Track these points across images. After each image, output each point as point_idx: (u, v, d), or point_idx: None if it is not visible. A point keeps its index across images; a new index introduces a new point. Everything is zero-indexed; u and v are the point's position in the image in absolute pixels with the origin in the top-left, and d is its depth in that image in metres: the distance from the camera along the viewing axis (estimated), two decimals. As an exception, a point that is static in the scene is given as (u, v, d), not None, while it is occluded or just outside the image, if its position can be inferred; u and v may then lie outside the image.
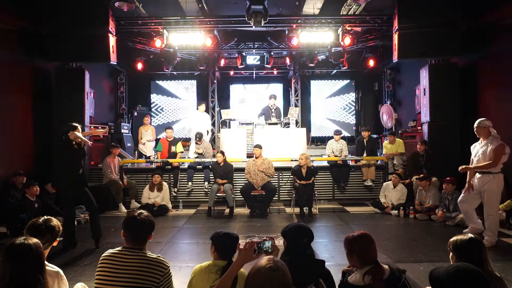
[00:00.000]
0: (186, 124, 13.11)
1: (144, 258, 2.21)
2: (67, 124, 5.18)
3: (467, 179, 5.27)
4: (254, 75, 13.66)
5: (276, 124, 10.19)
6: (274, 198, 7.82)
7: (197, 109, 10.07)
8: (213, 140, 12.21)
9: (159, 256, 2.26)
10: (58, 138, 5.10)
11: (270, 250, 2.09)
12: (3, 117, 7.32)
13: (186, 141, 11.49)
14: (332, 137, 9.08)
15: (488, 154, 4.95)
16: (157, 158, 8.88)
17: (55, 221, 2.52)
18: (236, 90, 14.13)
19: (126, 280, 2.14)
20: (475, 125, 5.12)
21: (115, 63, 8.52)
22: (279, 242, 2.56)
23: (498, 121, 7.58)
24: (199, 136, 8.71)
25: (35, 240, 2.01)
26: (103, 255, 2.28)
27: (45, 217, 2.51)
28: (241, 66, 11.99)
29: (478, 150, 5.13)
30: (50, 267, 2.31)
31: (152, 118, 13.19)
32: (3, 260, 1.92)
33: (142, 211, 2.37)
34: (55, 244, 2.52)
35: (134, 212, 2.34)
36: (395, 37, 8.24)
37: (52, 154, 7.48)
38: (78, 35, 7.90)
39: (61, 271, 2.35)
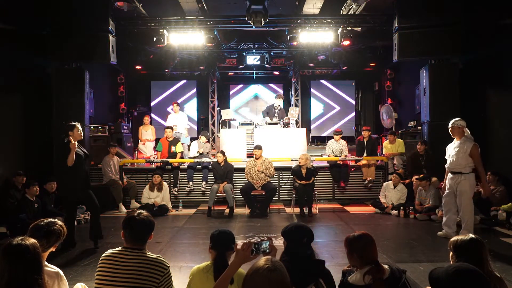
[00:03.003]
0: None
1: (144, 258, 2.21)
2: (66, 124, 5.17)
3: (444, 180, 5.50)
4: (254, 75, 13.67)
5: (276, 124, 10.20)
6: (274, 198, 7.81)
7: (173, 110, 10.21)
8: (213, 140, 12.22)
9: (159, 256, 2.26)
10: (61, 140, 5.07)
11: (267, 251, 2.09)
12: (3, 116, 7.32)
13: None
14: (332, 137, 9.08)
15: (463, 155, 5.06)
16: (157, 158, 8.88)
17: (59, 225, 2.48)
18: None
19: (126, 280, 2.14)
20: (450, 125, 5.24)
21: (115, 63, 8.50)
22: (279, 242, 2.56)
23: (499, 121, 7.63)
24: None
25: (32, 240, 2.01)
26: (103, 255, 2.27)
27: (49, 220, 2.49)
28: (241, 66, 11.99)
29: (451, 150, 5.27)
30: (50, 267, 2.30)
31: (151, 118, 13.18)
32: (1, 260, 1.91)
33: (142, 211, 2.37)
34: (53, 249, 2.49)
35: (134, 212, 2.33)
36: (395, 37, 8.23)
37: (54, 155, 7.49)
38: (78, 35, 7.88)
39: (60, 272, 2.34)
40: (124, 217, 2.35)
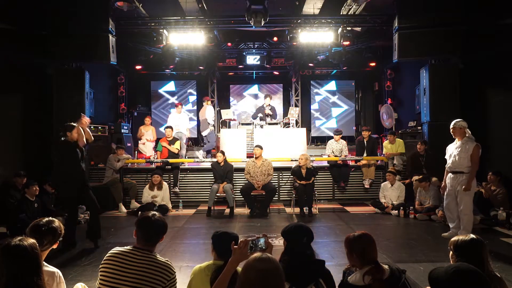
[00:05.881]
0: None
1: (153, 261, 2.21)
2: (65, 124, 5.17)
3: (443, 180, 5.49)
4: (254, 75, 13.66)
5: (276, 124, 10.18)
6: (274, 198, 7.81)
7: (176, 110, 10.24)
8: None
9: (167, 261, 2.27)
10: (57, 139, 5.08)
11: (264, 247, 2.09)
12: (3, 116, 7.32)
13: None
14: (332, 137, 9.08)
15: (465, 155, 5.10)
16: (157, 158, 8.88)
17: (58, 223, 2.50)
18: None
19: (133, 280, 2.14)
20: (451, 125, 5.27)
21: (115, 63, 8.50)
22: (279, 242, 2.56)
23: (498, 121, 7.63)
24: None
25: (31, 241, 2.00)
26: (110, 251, 2.27)
27: (48, 218, 2.50)
28: (241, 66, 11.98)
29: (453, 150, 5.29)
30: (48, 267, 2.30)
31: (151, 117, 13.17)
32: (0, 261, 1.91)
33: (155, 212, 2.39)
34: (55, 246, 2.50)
35: (148, 213, 2.35)
36: (395, 37, 8.23)
37: (51, 155, 7.48)
38: (78, 35, 7.89)
39: (57, 271, 2.34)
40: (138, 217, 2.37)
